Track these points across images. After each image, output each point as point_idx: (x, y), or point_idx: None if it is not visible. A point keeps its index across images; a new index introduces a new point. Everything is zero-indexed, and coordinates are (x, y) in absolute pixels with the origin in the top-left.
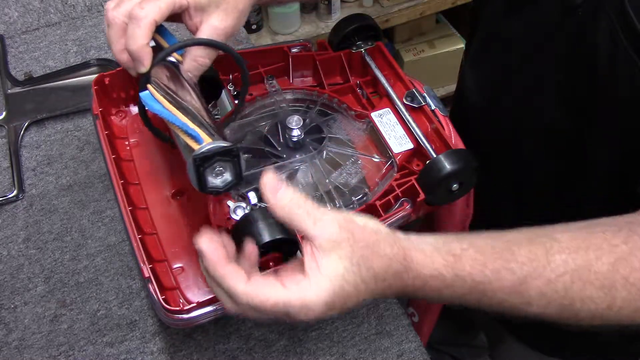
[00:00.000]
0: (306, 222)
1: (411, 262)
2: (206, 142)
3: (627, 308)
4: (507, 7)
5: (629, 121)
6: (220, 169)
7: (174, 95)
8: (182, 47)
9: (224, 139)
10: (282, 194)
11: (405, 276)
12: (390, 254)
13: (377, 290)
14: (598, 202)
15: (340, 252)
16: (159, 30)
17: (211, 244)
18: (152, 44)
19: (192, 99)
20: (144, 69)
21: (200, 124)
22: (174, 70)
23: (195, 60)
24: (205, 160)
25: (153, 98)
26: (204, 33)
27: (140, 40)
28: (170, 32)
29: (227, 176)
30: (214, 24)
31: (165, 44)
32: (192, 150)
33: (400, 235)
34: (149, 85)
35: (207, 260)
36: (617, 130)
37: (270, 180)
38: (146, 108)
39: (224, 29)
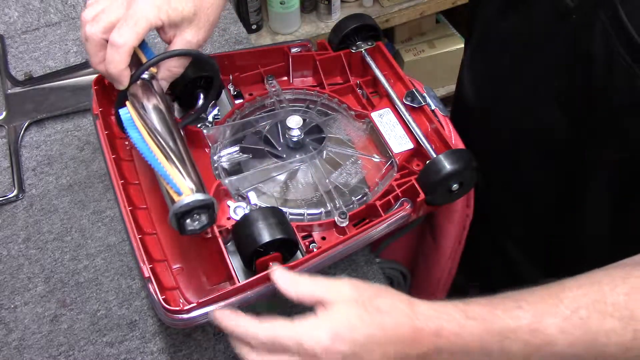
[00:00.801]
0: (321, 290)
1: (418, 307)
2: (185, 195)
3: None
4: (503, 8)
5: (626, 125)
6: (198, 216)
7: (147, 118)
8: (158, 61)
9: (199, 179)
10: (299, 279)
11: (413, 317)
12: (393, 296)
13: (387, 326)
14: (598, 204)
15: (347, 299)
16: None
17: (220, 309)
18: None
19: (163, 113)
20: (122, 87)
21: (177, 164)
22: (147, 83)
23: (169, 70)
24: (185, 213)
25: (132, 123)
26: (177, 46)
27: (120, 66)
28: (147, 43)
29: (204, 220)
30: (187, 39)
31: (142, 55)
32: (171, 197)
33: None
34: (127, 103)
35: (219, 314)
36: (616, 133)
37: (282, 274)
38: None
39: (197, 42)
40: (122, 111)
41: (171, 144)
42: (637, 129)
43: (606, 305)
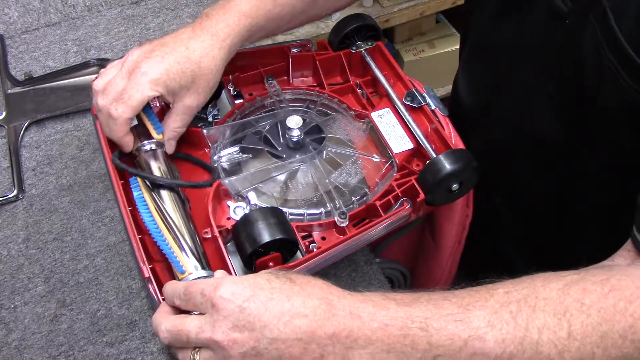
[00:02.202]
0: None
1: (334, 287)
2: (188, 274)
3: (591, 335)
4: (497, 12)
5: (615, 128)
6: None
7: (155, 192)
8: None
9: (201, 253)
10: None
11: (326, 291)
12: (310, 277)
13: (295, 294)
14: (593, 208)
15: (263, 272)
16: (143, 108)
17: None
18: (135, 122)
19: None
20: (127, 151)
21: (181, 242)
22: (155, 153)
23: (174, 131)
24: None
25: (142, 197)
26: (178, 110)
27: (119, 134)
28: (152, 110)
29: None
30: (187, 104)
31: (147, 122)
32: (175, 273)
33: None
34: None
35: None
36: (606, 136)
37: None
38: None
39: (197, 106)
40: (134, 189)
41: (175, 219)
42: (625, 132)
43: (537, 300)
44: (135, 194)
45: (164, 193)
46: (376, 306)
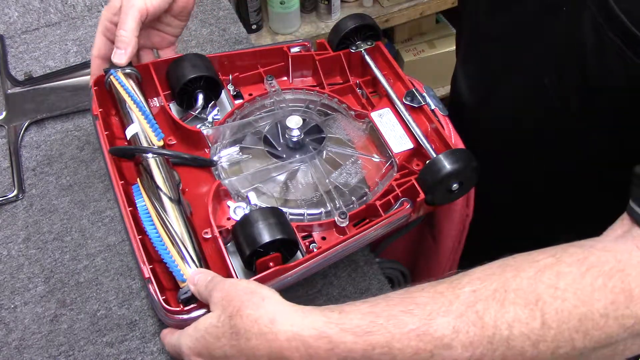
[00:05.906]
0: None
1: (281, 325)
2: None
3: (568, 320)
4: (492, 5)
5: (620, 112)
6: None
7: (156, 199)
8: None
9: (202, 259)
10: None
11: (273, 338)
12: (255, 315)
13: (245, 349)
14: (592, 201)
15: (214, 311)
16: (143, 112)
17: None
18: (137, 129)
19: (171, 192)
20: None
21: (181, 249)
22: (156, 159)
23: (121, 36)
24: (191, 299)
25: (144, 206)
26: (125, 10)
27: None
28: (151, 114)
29: None
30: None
31: (146, 127)
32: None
33: (276, 299)
34: (138, 180)
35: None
36: (609, 123)
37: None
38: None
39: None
40: (136, 196)
41: (176, 227)
42: (631, 112)
43: (507, 293)
44: (137, 200)
45: (166, 200)
46: (331, 343)
